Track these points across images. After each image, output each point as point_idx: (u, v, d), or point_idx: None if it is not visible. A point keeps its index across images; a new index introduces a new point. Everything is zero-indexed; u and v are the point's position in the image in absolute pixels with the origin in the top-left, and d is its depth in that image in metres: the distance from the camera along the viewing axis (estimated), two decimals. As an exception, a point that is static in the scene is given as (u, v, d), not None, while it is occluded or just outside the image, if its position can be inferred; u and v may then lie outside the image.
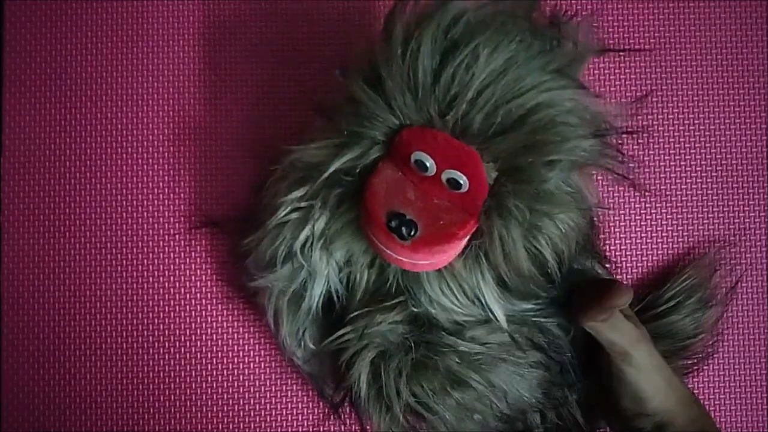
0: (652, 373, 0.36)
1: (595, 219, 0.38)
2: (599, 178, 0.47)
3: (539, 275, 0.36)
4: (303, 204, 0.36)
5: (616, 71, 0.48)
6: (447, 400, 0.37)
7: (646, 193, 0.47)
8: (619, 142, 0.37)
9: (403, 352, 0.37)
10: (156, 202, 0.47)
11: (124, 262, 0.46)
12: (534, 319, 0.38)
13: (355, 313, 0.38)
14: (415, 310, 0.37)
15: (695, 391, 0.47)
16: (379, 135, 0.35)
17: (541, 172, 0.33)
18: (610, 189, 0.47)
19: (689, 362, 0.45)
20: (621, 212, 0.47)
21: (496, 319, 0.36)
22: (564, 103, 0.33)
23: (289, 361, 0.41)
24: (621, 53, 0.47)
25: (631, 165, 0.36)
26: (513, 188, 0.33)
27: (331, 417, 0.46)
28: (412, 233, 0.33)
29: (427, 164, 0.34)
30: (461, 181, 0.34)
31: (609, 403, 0.38)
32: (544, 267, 0.36)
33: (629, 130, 0.45)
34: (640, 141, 0.47)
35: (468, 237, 0.35)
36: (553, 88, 0.33)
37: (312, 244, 0.36)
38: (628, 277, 0.47)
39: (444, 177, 0.34)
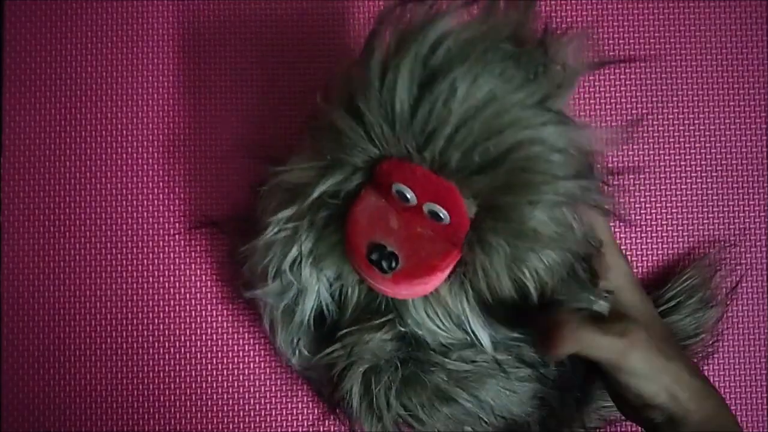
0: (651, 377, 0.35)
1: (586, 250, 0.36)
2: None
3: (522, 304, 0.35)
4: (290, 225, 0.36)
5: (616, 71, 0.48)
6: (436, 414, 0.37)
7: (632, 225, 0.47)
8: (610, 173, 0.36)
9: (392, 368, 0.37)
10: (156, 202, 0.47)
11: (124, 262, 0.46)
12: (521, 344, 0.37)
13: (344, 331, 0.38)
14: (403, 329, 0.37)
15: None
16: (360, 163, 0.34)
17: (522, 212, 0.32)
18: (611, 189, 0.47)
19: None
20: (621, 211, 0.47)
21: (481, 345, 0.36)
22: (546, 140, 0.31)
23: (287, 365, 0.41)
24: (620, 64, 0.47)
25: (617, 200, 0.34)
26: (493, 225, 0.33)
27: (330, 416, 0.46)
28: (393, 266, 0.33)
29: (408, 196, 0.33)
30: (441, 215, 0.33)
31: (618, 397, 0.37)
32: (526, 298, 0.35)
33: (616, 169, 0.43)
34: (641, 143, 0.47)
35: (451, 267, 0.34)
36: (534, 124, 0.31)
37: (301, 262, 0.36)
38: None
39: (425, 209, 0.34)
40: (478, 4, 0.33)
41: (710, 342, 0.45)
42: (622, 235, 0.47)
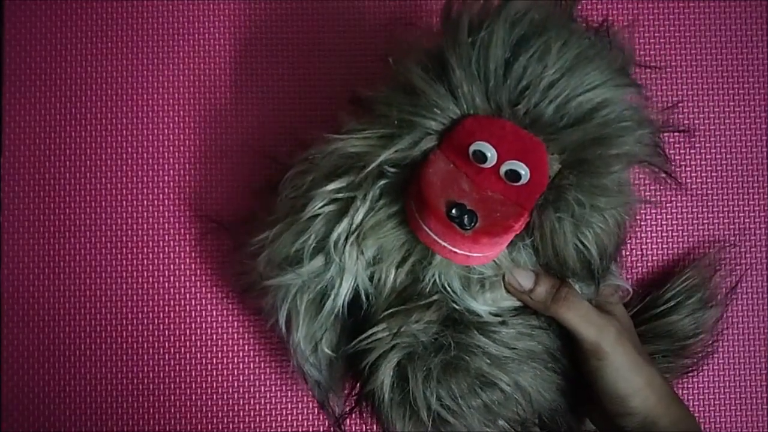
0: (629, 373, 0.36)
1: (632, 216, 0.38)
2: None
3: (581, 271, 0.36)
4: (342, 195, 0.35)
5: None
6: (474, 402, 0.37)
7: (685, 190, 0.47)
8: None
9: (432, 353, 0.36)
10: (156, 202, 0.47)
11: (124, 262, 0.46)
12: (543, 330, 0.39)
13: (390, 311, 0.37)
14: (456, 307, 0.37)
15: (696, 391, 0.47)
16: (435, 125, 0.35)
17: (607, 165, 0.34)
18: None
19: (689, 362, 0.45)
20: (677, 177, 0.47)
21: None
22: (626, 101, 0.35)
23: (297, 368, 0.39)
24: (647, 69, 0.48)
25: (673, 164, 0.38)
26: (577, 180, 0.34)
27: (334, 428, 0.44)
28: (473, 223, 0.33)
29: (488, 155, 0.34)
30: (522, 172, 0.34)
31: (592, 403, 0.38)
32: (587, 263, 0.36)
33: (680, 128, 0.47)
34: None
35: (521, 230, 0.35)
36: (618, 84, 0.34)
37: (346, 237, 0.35)
38: (630, 276, 0.47)
39: (503, 169, 0.34)
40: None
41: (710, 342, 0.45)
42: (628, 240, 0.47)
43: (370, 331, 0.37)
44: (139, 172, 0.47)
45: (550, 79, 0.33)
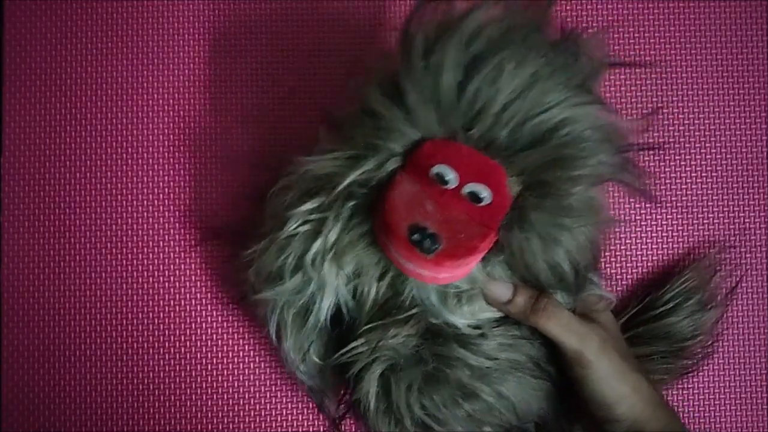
0: (614, 381, 0.36)
1: (604, 231, 0.38)
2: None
3: (556, 284, 0.36)
4: (315, 216, 0.36)
5: (616, 72, 0.48)
6: (457, 412, 0.37)
7: (660, 202, 0.47)
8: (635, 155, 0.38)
9: (413, 365, 0.37)
10: (156, 202, 0.47)
11: (124, 262, 0.46)
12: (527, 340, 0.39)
13: (369, 326, 0.37)
14: (434, 321, 0.37)
15: (696, 391, 0.47)
16: (398, 147, 0.35)
17: (567, 187, 0.34)
18: (611, 191, 0.47)
19: (687, 363, 0.45)
20: (621, 213, 0.47)
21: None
22: (587, 119, 0.34)
23: (290, 374, 0.40)
24: (631, 67, 0.47)
25: (647, 179, 0.36)
26: (537, 202, 0.34)
27: (333, 428, 0.45)
28: (435, 246, 0.33)
29: (448, 177, 0.34)
30: (483, 195, 0.34)
31: (580, 410, 0.38)
32: (561, 278, 0.36)
33: (648, 145, 0.45)
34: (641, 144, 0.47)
35: (488, 249, 0.35)
36: (577, 103, 0.33)
37: (322, 256, 0.36)
38: (629, 277, 0.47)
39: (465, 190, 0.34)
40: (501, 3, 0.35)
41: (708, 343, 0.45)
42: (622, 236, 0.47)
43: (350, 346, 0.37)
44: (139, 172, 0.47)
45: (504, 102, 0.33)
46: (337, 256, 0.36)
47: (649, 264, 0.47)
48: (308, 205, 0.36)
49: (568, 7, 0.48)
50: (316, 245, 0.36)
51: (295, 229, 0.36)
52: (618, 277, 0.47)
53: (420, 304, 0.37)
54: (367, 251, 0.36)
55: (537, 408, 0.39)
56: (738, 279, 0.47)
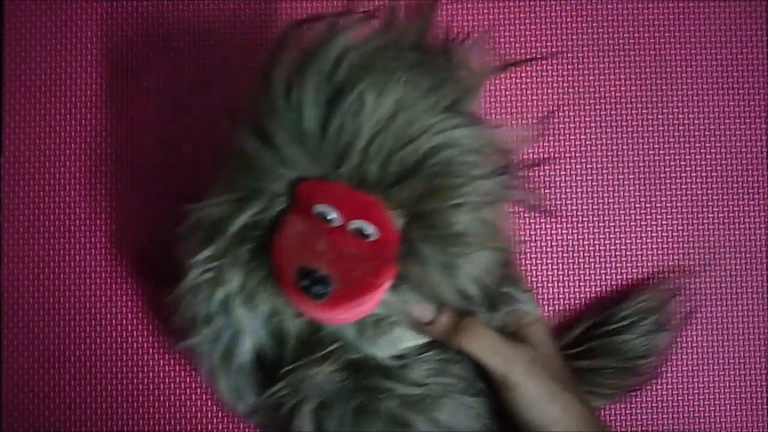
0: (544, 404, 0.35)
1: (511, 248, 0.36)
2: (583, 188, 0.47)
3: (469, 306, 0.35)
4: (213, 264, 0.35)
5: (614, 74, 0.48)
6: None
7: (557, 217, 0.46)
8: (529, 171, 0.36)
9: (343, 401, 0.36)
10: (156, 202, 0.47)
11: (124, 261, 0.46)
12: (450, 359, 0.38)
13: (287, 368, 0.36)
14: (352, 357, 0.36)
15: (696, 391, 0.47)
16: (278, 188, 0.34)
17: (447, 216, 0.32)
18: (579, 202, 0.47)
19: (635, 381, 0.45)
20: (545, 206, 0.46)
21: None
22: (460, 143, 0.32)
23: (233, 414, 0.39)
24: (524, 65, 0.45)
25: (541, 192, 0.34)
26: (423, 234, 0.32)
27: None
28: (326, 290, 0.32)
29: (331, 216, 0.33)
30: (369, 231, 0.32)
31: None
32: (471, 300, 0.35)
33: (532, 162, 0.43)
34: (609, 167, 0.47)
35: (389, 282, 0.33)
36: (446, 128, 0.31)
37: (230, 302, 0.35)
38: (587, 290, 0.47)
39: (350, 227, 0.33)
40: (378, 17, 0.33)
41: (659, 364, 0.45)
42: (586, 254, 0.47)
43: (272, 390, 0.36)
44: (139, 172, 0.47)
45: (368, 136, 0.31)
46: (248, 300, 0.35)
47: (610, 280, 0.47)
48: (205, 253, 0.34)
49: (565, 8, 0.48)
50: (219, 293, 0.35)
51: (197, 278, 0.35)
52: (578, 291, 0.47)
53: (339, 339, 0.36)
54: (276, 291, 0.35)
55: (480, 426, 0.38)
56: (694, 306, 0.46)
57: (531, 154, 0.46)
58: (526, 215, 0.45)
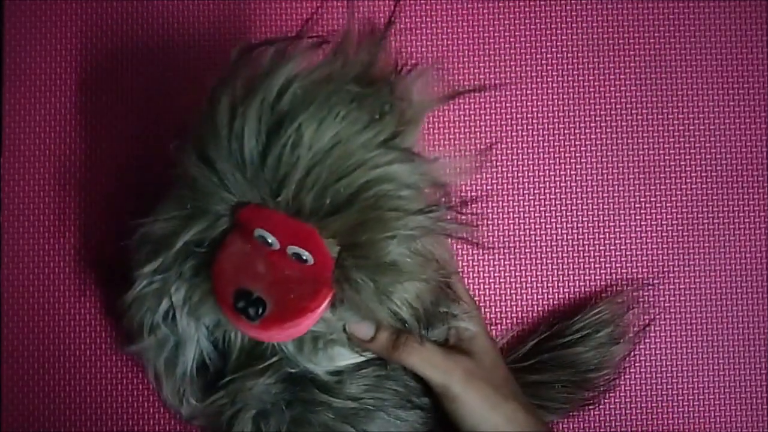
0: (485, 412, 0.36)
1: (448, 273, 0.38)
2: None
3: (404, 326, 0.36)
4: (158, 276, 0.36)
5: (615, 73, 0.48)
6: None
7: (487, 249, 0.46)
8: (463, 202, 0.37)
9: (280, 411, 0.37)
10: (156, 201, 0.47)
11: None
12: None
13: (227, 379, 0.38)
14: (291, 370, 0.37)
15: (696, 391, 0.47)
16: (222, 210, 0.35)
17: (379, 248, 0.33)
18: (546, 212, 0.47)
19: (589, 395, 0.45)
20: (477, 239, 0.46)
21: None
22: (395, 178, 0.33)
23: (176, 415, 0.41)
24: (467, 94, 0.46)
25: (470, 227, 0.36)
26: (356, 262, 0.33)
27: None
28: (260, 312, 0.33)
29: (270, 240, 0.34)
30: (304, 257, 0.34)
31: None
32: (405, 322, 0.35)
33: (464, 200, 0.44)
34: (578, 182, 0.48)
35: (325, 305, 0.34)
36: (381, 164, 0.32)
37: (174, 313, 0.37)
38: (544, 303, 0.47)
39: (289, 251, 0.34)
40: (327, 46, 0.34)
41: (612, 377, 0.45)
42: (538, 262, 0.47)
43: (212, 398, 0.38)
44: (139, 172, 0.47)
45: (305, 168, 0.32)
46: (193, 311, 0.36)
47: (562, 294, 0.47)
48: (150, 266, 0.36)
49: (567, 12, 0.48)
50: (164, 304, 0.36)
51: (141, 289, 0.37)
52: (534, 304, 0.47)
53: (279, 353, 0.37)
54: (217, 305, 0.36)
55: None
56: (650, 318, 0.46)
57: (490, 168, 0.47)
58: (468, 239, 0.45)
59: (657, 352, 0.47)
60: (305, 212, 0.33)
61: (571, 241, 0.47)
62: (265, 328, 0.33)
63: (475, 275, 0.47)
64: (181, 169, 0.35)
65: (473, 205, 0.46)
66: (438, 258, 0.36)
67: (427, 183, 0.34)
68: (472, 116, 0.47)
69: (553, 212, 0.47)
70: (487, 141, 0.47)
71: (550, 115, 0.47)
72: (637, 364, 0.46)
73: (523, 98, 0.47)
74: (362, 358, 0.38)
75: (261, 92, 0.32)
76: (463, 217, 0.36)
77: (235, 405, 0.38)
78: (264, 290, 0.33)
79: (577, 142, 0.47)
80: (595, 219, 0.47)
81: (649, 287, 0.47)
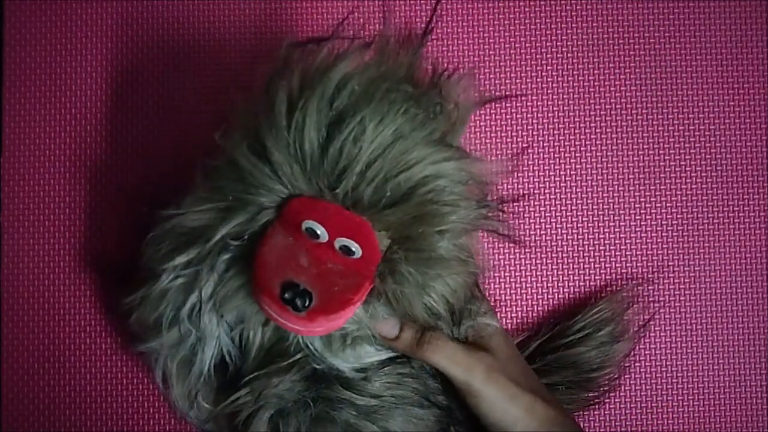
0: (506, 405, 0.37)
1: (480, 271, 0.39)
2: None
3: (436, 323, 0.37)
4: (188, 270, 0.36)
5: (616, 73, 0.48)
6: None
7: (528, 247, 0.47)
8: (504, 202, 0.39)
9: (300, 409, 0.37)
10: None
11: (124, 261, 0.46)
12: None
13: (251, 375, 0.38)
14: (317, 366, 0.37)
15: (695, 391, 0.47)
16: (268, 202, 0.35)
17: (432, 241, 0.34)
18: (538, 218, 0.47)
19: (592, 395, 0.45)
20: (516, 236, 0.47)
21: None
22: (450, 174, 0.34)
23: (183, 418, 0.41)
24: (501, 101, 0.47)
25: (511, 225, 0.37)
26: (405, 255, 0.34)
27: None
28: (307, 304, 0.33)
29: (318, 232, 0.34)
30: (353, 249, 0.34)
31: None
32: (439, 317, 0.37)
33: (509, 198, 0.46)
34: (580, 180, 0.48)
35: (364, 298, 0.35)
36: (438, 160, 0.34)
37: (200, 308, 0.36)
38: (544, 303, 0.47)
39: (337, 244, 0.34)
40: (370, 46, 0.35)
41: (615, 376, 0.45)
42: (537, 261, 0.47)
43: (233, 396, 0.38)
44: (139, 172, 0.47)
45: (366, 161, 0.33)
46: (217, 307, 0.36)
47: (561, 294, 0.47)
48: (181, 259, 0.36)
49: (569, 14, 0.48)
50: (192, 299, 0.36)
51: (168, 283, 0.36)
52: (533, 303, 0.47)
53: (304, 349, 0.37)
54: (247, 300, 0.36)
55: None
56: (650, 315, 0.46)
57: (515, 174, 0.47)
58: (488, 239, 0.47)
59: (656, 350, 0.47)
60: (362, 204, 0.34)
61: (571, 239, 0.47)
62: (311, 319, 0.33)
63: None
64: (226, 160, 0.35)
65: (511, 204, 0.47)
66: (476, 255, 0.37)
67: (474, 181, 0.36)
68: (472, 117, 0.47)
69: (553, 211, 0.47)
70: (494, 144, 0.47)
71: (549, 115, 0.48)
72: (636, 363, 0.47)
73: (523, 98, 0.47)
74: (387, 356, 0.38)
75: (320, 88, 0.33)
76: (504, 214, 0.38)
77: (258, 402, 0.37)
78: (309, 282, 0.33)
79: (576, 142, 0.48)
80: (594, 217, 0.47)
81: (649, 285, 0.47)
